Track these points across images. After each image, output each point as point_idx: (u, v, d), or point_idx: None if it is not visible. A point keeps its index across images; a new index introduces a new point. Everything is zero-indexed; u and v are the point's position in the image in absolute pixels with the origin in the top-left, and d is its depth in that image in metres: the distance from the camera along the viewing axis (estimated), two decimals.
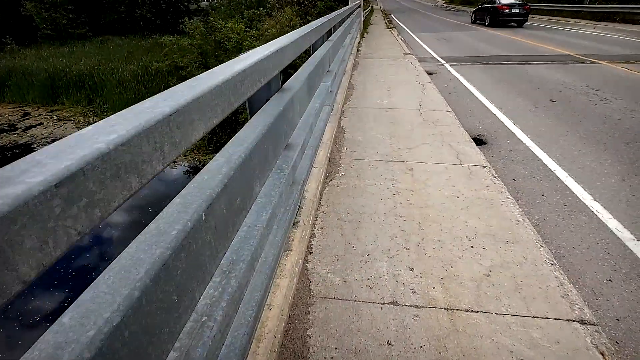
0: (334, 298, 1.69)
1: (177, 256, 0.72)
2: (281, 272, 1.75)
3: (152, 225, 0.78)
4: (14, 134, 6.39)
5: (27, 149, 5.79)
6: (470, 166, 2.95)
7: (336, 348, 1.45)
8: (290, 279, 1.71)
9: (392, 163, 3.02)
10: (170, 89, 0.82)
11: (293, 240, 1.97)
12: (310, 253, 2.00)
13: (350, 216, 2.31)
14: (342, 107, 4.48)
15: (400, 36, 11.76)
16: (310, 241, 2.09)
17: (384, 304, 1.65)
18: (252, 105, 1.83)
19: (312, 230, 2.19)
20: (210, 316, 0.96)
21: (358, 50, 8.90)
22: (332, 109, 4.05)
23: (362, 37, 11.45)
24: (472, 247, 2.02)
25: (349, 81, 5.71)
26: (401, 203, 2.45)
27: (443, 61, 8.41)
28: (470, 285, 1.74)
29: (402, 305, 1.64)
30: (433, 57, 8.98)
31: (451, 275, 1.81)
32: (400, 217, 2.30)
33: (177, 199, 0.89)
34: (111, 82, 11.15)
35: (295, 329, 1.55)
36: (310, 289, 1.75)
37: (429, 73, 6.67)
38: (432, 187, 2.65)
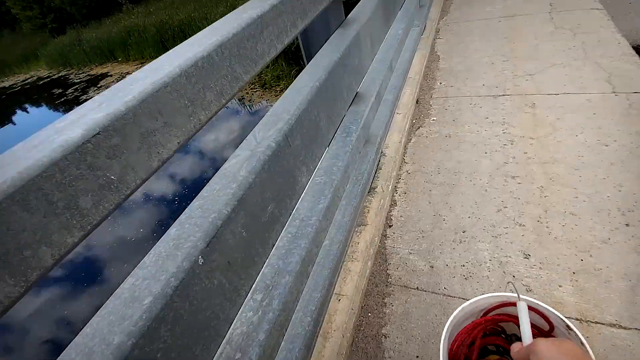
0: (417, 288, 1.39)
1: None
2: (353, 254, 1.50)
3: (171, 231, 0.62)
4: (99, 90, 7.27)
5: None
6: (629, 95, 2.03)
7: (417, 357, 1.19)
8: (363, 263, 1.46)
9: (503, 98, 2.29)
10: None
11: (369, 211, 1.67)
12: (390, 226, 1.68)
13: (442, 177, 1.85)
14: (437, 24, 3.59)
15: None
16: (389, 211, 1.76)
17: None
18: (307, 51, 1.44)
19: (393, 196, 1.84)
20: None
21: None
22: (423, 30, 3.25)
23: None
24: (626, 224, 1.40)
25: None
26: (514, 157, 1.85)
27: None
28: (620, 287, 1.21)
29: None
30: None
31: (589, 268, 1.29)
32: (513, 178, 1.74)
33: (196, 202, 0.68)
34: (205, 26, 11.49)
35: (368, 324, 1.33)
36: (388, 274, 1.48)
37: None
38: (564, 131, 1.92)
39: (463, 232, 1.56)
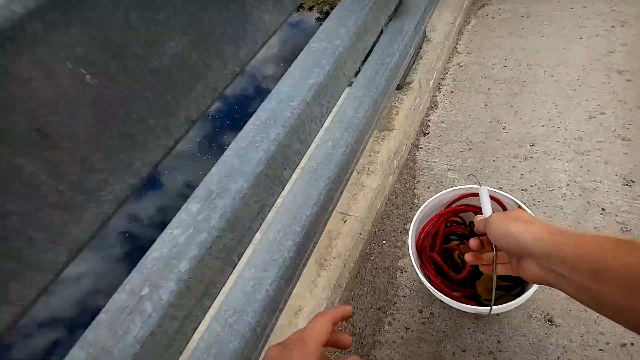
0: None
1: None
2: (369, 165, 1.12)
3: None
4: None
5: None
6: None
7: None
8: (382, 177, 1.09)
9: None
10: None
11: (397, 113, 1.24)
12: (425, 134, 1.25)
13: (509, 71, 1.32)
14: None
15: None
16: (427, 114, 1.31)
17: None
18: None
19: (434, 95, 1.36)
20: None
21: None
22: None
23: None
24: None
25: None
26: (625, 45, 1.24)
27: None
28: None
29: None
30: None
31: None
32: (620, 73, 1.17)
33: None
34: None
35: (380, 254, 1.01)
36: (415, 194, 1.10)
37: None
38: None
39: (531, 145, 1.09)
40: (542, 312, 0.81)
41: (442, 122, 1.26)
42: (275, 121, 0.63)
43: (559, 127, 1.10)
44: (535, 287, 0.66)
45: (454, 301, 0.69)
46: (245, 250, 0.61)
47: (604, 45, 1.26)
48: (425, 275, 0.78)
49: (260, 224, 0.63)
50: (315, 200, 0.81)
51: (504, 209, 0.78)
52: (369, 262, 1.01)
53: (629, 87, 1.12)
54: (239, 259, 0.60)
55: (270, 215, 1.16)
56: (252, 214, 0.60)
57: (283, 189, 0.67)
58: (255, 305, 0.71)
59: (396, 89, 1.31)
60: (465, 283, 0.79)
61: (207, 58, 0.43)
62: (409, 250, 0.77)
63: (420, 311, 0.88)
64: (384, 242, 1.04)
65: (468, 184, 0.84)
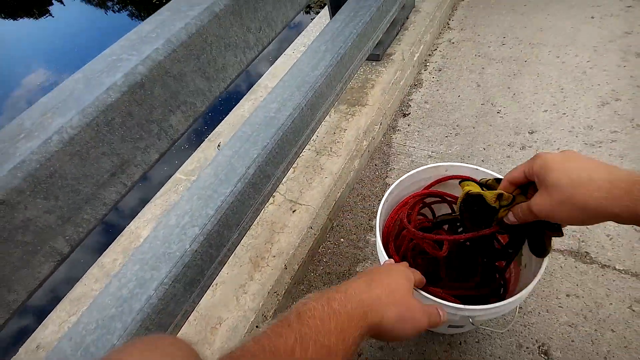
0: None
1: None
2: (332, 145, 0.90)
3: None
4: None
5: None
6: None
7: None
8: (346, 160, 0.87)
9: None
10: None
11: (373, 86, 1.02)
12: (405, 115, 1.04)
13: (507, 50, 1.12)
14: None
15: None
16: (409, 92, 1.10)
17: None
18: None
19: (419, 72, 1.15)
20: None
21: None
22: None
23: None
24: None
25: None
26: None
27: None
28: None
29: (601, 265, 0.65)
30: None
31: None
32: (638, 56, 0.99)
33: None
34: None
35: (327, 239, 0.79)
36: (387, 184, 0.89)
37: None
38: None
39: (530, 132, 0.89)
40: (536, 341, 0.61)
41: (426, 102, 1.05)
42: (157, 35, 0.40)
43: (564, 114, 0.91)
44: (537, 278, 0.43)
45: (436, 298, 0.44)
46: (85, 232, 0.38)
47: (620, 26, 1.08)
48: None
49: (120, 194, 0.40)
50: (241, 175, 0.58)
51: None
52: (320, 264, 0.78)
53: None
54: (71, 248, 0.37)
55: (179, 192, 0.92)
56: (97, 175, 0.36)
57: (172, 143, 0.44)
58: (128, 318, 0.47)
59: (374, 60, 1.09)
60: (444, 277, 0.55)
61: None
62: (377, 242, 0.53)
63: None
64: (341, 240, 0.81)
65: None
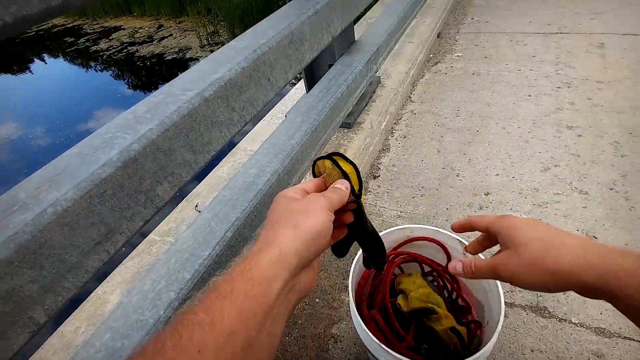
0: None
1: None
2: None
3: None
4: (152, 44, 6.98)
5: (161, 57, 6.20)
6: None
7: None
8: None
9: (558, 37, 1.67)
10: None
11: (345, 151, 1.11)
12: (375, 177, 1.12)
13: (462, 121, 1.27)
14: None
15: None
16: (378, 157, 1.19)
17: None
18: None
19: (387, 139, 1.27)
20: None
21: None
22: None
23: None
24: None
25: None
26: (573, 104, 1.25)
27: None
28: None
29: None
30: None
31: None
32: (570, 128, 1.15)
33: None
34: None
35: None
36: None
37: None
38: None
39: (486, 194, 0.99)
40: None
41: (393, 165, 1.14)
42: (152, 116, 0.46)
43: (513, 177, 1.02)
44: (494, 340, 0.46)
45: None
46: (64, 301, 0.38)
47: (552, 103, 1.27)
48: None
49: (103, 261, 0.41)
50: (220, 238, 0.61)
51: (449, 255, 0.62)
52: (295, 327, 0.78)
53: (581, 142, 1.09)
54: (49, 318, 0.37)
55: (152, 253, 0.92)
56: (84, 244, 0.38)
57: (156, 211, 0.47)
58: None
59: (346, 128, 1.20)
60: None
61: None
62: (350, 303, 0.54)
63: None
64: (317, 300, 0.82)
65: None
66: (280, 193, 0.33)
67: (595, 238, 0.83)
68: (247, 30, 0.66)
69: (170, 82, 0.53)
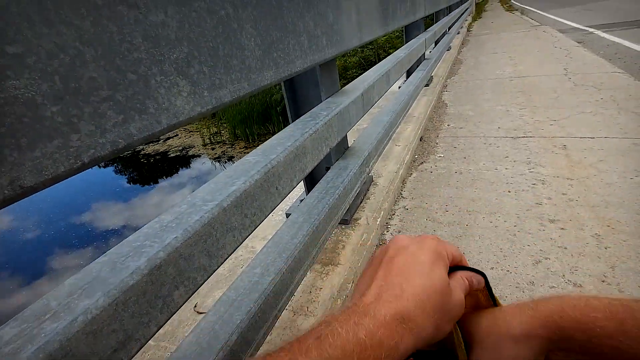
0: None
1: None
2: (308, 304, 0.95)
3: None
4: (157, 143, 7.62)
5: (164, 155, 6.73)
6: None
7: None
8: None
9: (525, 140, 1.90)
10: None
11: (343, 247, 1.15)
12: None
13: (451, 216, 1.36)
14: (445, 81, 3.43)
15: (525, 16, 9.54)
16: (375, 252, 1.23)
17: None
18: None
19: (382, 234, 1.33)
20: None
21: (469, 30, 7.47)
22: (429, 83, 3.06)
23: (474, 20, 9.78)
24: None
25: (456, 57, 4.56)
26: (550, 199, 1.37)
27: (591, 29, 6.29)
28: None
29: None
30: (575, 28, 6.86)
31: None
32: (552, 222, 1.24)
33: None
34: None
35: None
36: None
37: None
38: (612, 173, 1.46)
39: None
40: None
41: None
42: (177, 225, 0.52)
43: (508, 271, 1.05)
44: None
45: None
46: None
47: (531, 198, 1.38)
48: None
49: None
50: (224, 343, 0.61)
51: None
52: None
53: (565, 234, 1.16)
54: None
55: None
56: (102, 352, 0.40)
57: (170, 316, 0.49)
58: None
59: (344, 224, 1.27)
60: None
61: None
62: None
63: None
64: None
65: None
66: (430, 247, 0.32)
67: None
68: (258, 147, 0.77)
69: (192, 193, 0.60)
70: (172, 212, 0.55)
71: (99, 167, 6.55)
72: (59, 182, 0.35)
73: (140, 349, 0.45)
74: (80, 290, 0.41)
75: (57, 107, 0.33)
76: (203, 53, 0.51)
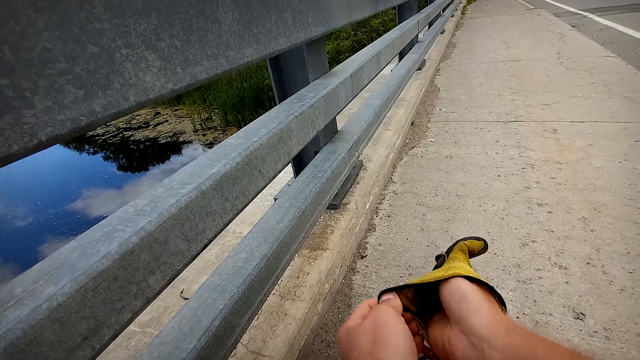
0: None
1: None
2: (295, 289, 0.94)
3: None
4: (147, 129, 7.50)
5: (154, 141, 6.62)
6: None
7: None
8: (310, 304, 0.90)
9: (515, 124, 1.89)
10: None
11: (332, 232, 1.14)
12: (363, 257, 1.13)
13: (441, 200, 1.35)
14: (438, 65, 3.39)
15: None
16: (365, 237, 1.23)
17: None
18: None
19: (372, 218, 1.32)
20: None
21: (463, 13, 7.36)
22: (422, 66, 3.02)
23: (468, 2, 9.63)
24: None
25: (450, 40, 4.49)
26: (538, 182, 1.37)
27: (585, 13, 6.24)
28: None
29: None
30: (570, 11, 6.79)
31: None
32: (540, 205, 1.24)
33: None
34: (221, 81, 11.91)
35: None
36: None
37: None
38: (601, 157, 1.47)
39: None
40: None
41: (380, 245, 1.17)
42: (152, 209, 0.50)
43: (495, 254, 1.05)
44: None
45: None
46: None
47: (520, 182, 1.38)
48: None
49: (87, 358, 0.40)
50: (206, 328, 0.60)
51: None
52: None
53: (552, 218, 1.16)
54: None
55: (130, 347, 0.86)
56: (71, 340, 0.38)
57: (147, 302, 0.47)
58: None
59: (332, 209, 1.26)
60: None
61: None
62: None
63: None
64: None
65: None
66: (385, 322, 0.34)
67: (583, 315, 0.84)
68: (241, 129, 0.74)
69: (170, 176, 0.58)
70: (147, 195, 0.53)
71: (88, 153, 6.43)
72: (12, 161, 0.33)
73: (116, 336, 0.44)
74: (46, 277, 0.39)
75: (6, 80, 0.30)
76: (174, 26, 0.47)
